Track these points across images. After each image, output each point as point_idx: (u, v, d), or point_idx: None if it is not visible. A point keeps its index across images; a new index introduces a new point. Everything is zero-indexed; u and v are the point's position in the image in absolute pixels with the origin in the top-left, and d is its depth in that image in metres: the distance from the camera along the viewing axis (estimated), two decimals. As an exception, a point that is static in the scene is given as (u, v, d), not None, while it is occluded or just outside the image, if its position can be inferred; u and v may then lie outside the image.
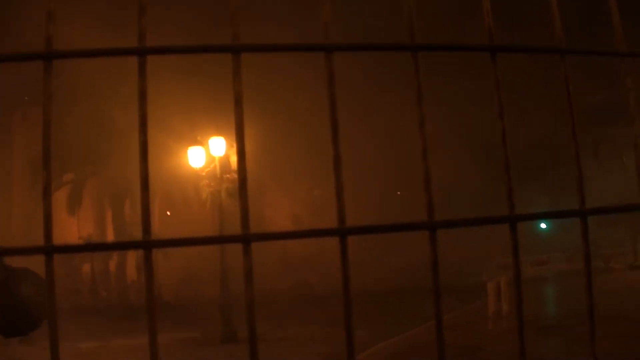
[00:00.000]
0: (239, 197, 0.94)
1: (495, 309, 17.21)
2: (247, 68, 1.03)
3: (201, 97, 28.15)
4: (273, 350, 13.54)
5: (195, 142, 21.10)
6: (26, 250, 0.97)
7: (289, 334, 16.82)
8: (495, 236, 44.87)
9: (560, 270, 36.37)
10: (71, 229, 37.14)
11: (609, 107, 32.01)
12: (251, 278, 0.97)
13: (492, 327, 15.62)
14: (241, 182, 0.94)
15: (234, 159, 20.60)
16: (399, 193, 46.24)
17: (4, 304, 3.02)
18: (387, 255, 37.84)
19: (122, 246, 0.97)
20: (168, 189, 33.11)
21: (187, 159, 21.10)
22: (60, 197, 32.97)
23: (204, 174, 20.82)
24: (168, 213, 42.38)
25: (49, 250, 0.95)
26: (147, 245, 0.95)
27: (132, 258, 38.40)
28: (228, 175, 20.46)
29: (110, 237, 35.87)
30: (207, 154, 20.69)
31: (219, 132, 20.86)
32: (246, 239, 0.96)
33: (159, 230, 32.14)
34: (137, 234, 1.35)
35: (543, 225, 48.05)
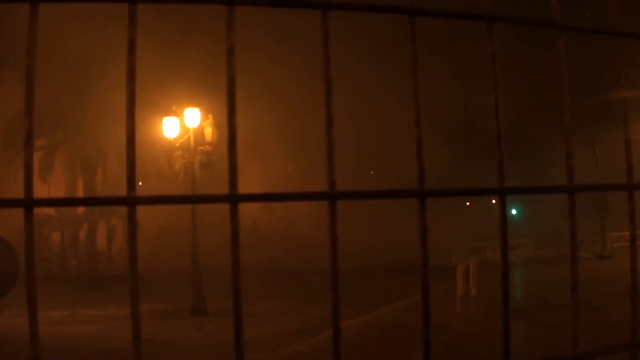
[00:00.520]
0: (228, 155, 0.92)
1: (463, 291, 17.36)
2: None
3: (179, 69, 27.83)
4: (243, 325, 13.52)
5: (170, 112, 20.87)
6: (4, 202, 0.93)
7: (258, 309, 16.83)
8: (465, 221, 45.39)
9: (528, 256, 37.00)
10: (42, 195, 36.52)
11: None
12: (237, 239, 0.95)
13: (460, 309, 15.75)
14: (230, 139, 0.91)
15: (208, 131, 20.45)
16: (372, 172, 46.45)
17: None
18: (362, 233, 38.02)
19: (105, 201, 0.94)
20: (141, 159, 32.78)
21: (162, 130, 20.86)
22: (31, 163, 32.51)
23: (177, 144, 20.62)
24: (140, 183, 41.96)
25: (29, 203, 0.91)
26: (132, 201, 0.91)
27: (103, 227, 38.12)
28: (202, 147, 20.31)
29: (80, 205, 35.47)
30: (182, 125, 20.48)
31: (194, 104, 20.68)
32: (233, 199, 0.93)
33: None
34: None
35: (513, 212, 48.76)
